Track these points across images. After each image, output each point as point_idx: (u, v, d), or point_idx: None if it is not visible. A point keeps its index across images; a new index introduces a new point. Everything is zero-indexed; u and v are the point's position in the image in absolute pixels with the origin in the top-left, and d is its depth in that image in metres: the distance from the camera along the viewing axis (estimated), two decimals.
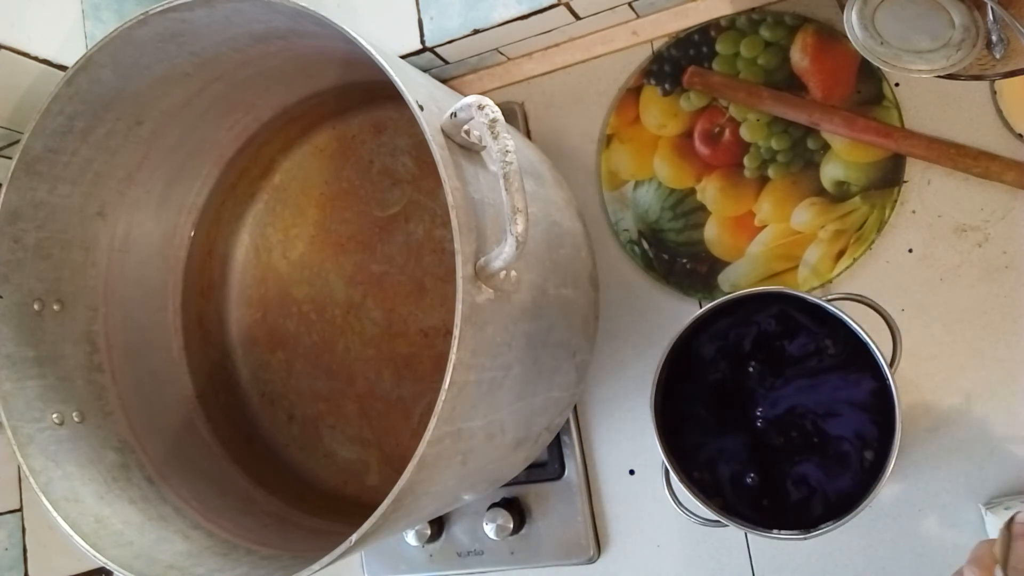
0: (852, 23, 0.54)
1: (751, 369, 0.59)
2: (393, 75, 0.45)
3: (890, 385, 0.53)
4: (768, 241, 0.65)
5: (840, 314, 0.55)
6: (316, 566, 0.46)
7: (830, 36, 0.64)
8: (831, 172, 0.64)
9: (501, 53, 0.72)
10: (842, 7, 0.55)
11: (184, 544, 0.59)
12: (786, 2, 0.66)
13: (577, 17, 0.67)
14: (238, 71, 0.62)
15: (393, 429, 0.71)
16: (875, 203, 0.63)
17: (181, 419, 0.70)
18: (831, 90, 0.64)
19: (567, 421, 0.69)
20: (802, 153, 0.65)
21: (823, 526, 0.54)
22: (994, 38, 0.53)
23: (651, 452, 0.69)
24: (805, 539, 0.54)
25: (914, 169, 0.62)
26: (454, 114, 0.45)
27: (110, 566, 0.53)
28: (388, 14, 0.67)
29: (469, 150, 0.48)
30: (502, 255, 0.43)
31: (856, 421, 0.55)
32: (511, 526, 0.68)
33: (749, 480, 0.58)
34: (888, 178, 0.63)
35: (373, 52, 0.46)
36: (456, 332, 0.42)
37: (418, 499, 0.47)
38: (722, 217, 0.67)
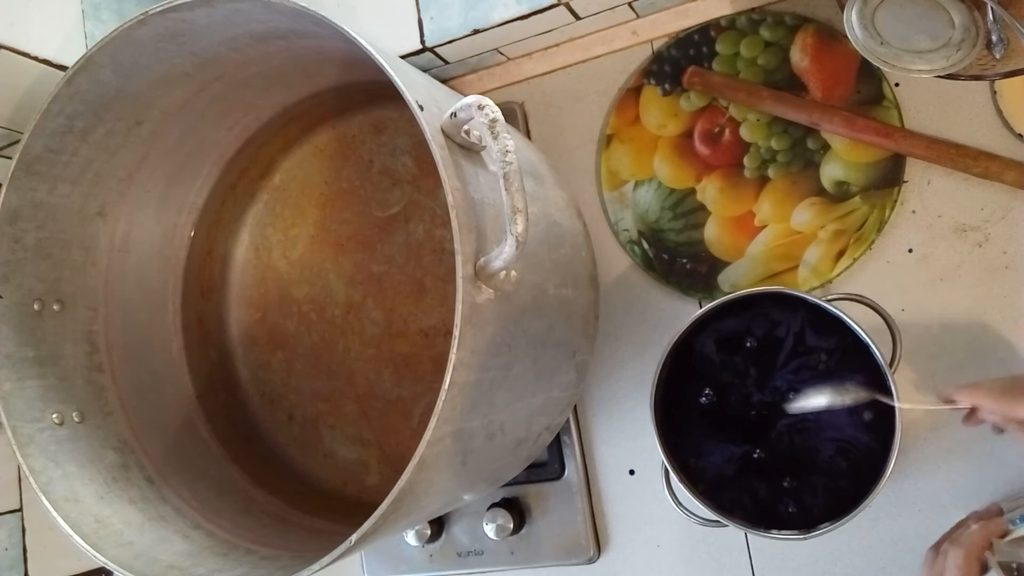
0: (852, 23, 0.54)
1: (750, 369, 0.59)
2: (393, 75, 0.45)
3: (890, 385, 0.53)
4: (768, 241, 0.65)
5: (840, 314, 0.55)
6: (316, 566, 0.46)
7: (830, 36, 0.64)
8: (831, 172, 0.64)
9: (501, 53, 0.72)
10: (842, 7, 0.55)
11: (184, 544, 0.59)
12: (786, 2, 0.66)
13: (577, 17, 0.67)
14: (238, 71, 0.62)
15: (393, 429, 0.71)
16: (875, 203, 0.63)
17: (181, 419, 0.70)
18: (831, 90, 0.64)
19: (567, 421, 0.69)
20: (802, 153, 0.65)
21: (823, 526, 0.54)
22: (994, 38, 0.53)
23: (651, 452, 0.68)
24: (805, 539, 0.54)
25: (914, 169, 0.62)
26: (454, 114, 0.45)
27: (110, 566, 0.53)
28: (388, 14, 0.67)
29: (469, 150, 0.48)
30: (502, 255, 0.43)
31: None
32: (511, 526, 0.68)
33: (750, 477, 0.58)
34: (888, 178, 0.63)
35: (373, 52, 0.46)
36: (456, 332, 0.42)
37: (418, 499, 0.47)
38: (722, 217, 0.67)
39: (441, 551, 0.72)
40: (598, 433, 0.70)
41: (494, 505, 0.69)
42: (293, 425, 0.74)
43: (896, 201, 0.62)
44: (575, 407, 0.71)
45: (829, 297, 0.56)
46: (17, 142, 0.61)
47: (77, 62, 0.55)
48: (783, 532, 0.55)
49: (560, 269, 0.55)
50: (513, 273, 0.46)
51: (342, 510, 0.68)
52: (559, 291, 0.54)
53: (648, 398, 0.59)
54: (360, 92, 0.69)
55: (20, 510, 0.85)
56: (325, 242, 0.74)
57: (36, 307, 0.61)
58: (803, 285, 0.64)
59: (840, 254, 0.63)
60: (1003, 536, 0.50)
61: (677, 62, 0.69)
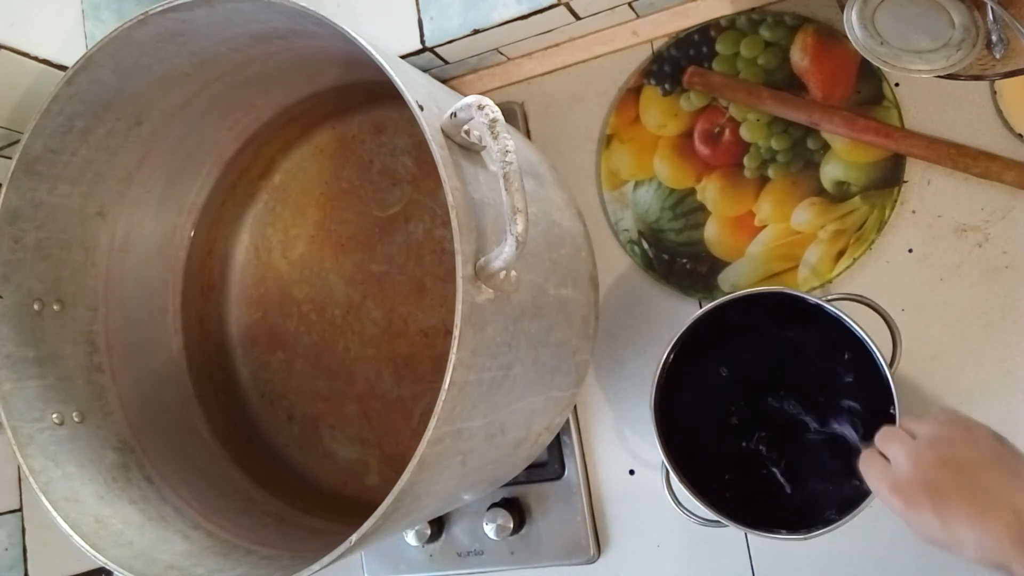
0: (852, 23, 0.54)
1: (750, 369, 0.59)
2: (393, 75, 0.45)
3: (890, 385, 0.53)
4: (768, 241, 0.65)
5: (840, 314, 0.55)
6: (316, 566, 0.46)
7: (830, 36, 0.64)
8: (831, 172, 0.64)
9: (501, 53, 0.72)
10: (842, 7, 0.55)
11: (184, 544, 0.59)
12: (786, 2, 0.66)
13: (577, 17, 0.67)
14: (238, 71, 0.62)
15: (393, 429, 0.71)
16: (875, 203, 0.63)
17: (181, 419, 0.70)
18: (831, 90, 0.64)
19: (567, 421, 0.69)
20: (802, 153, 0.65)
21: (823, 526, 0.54)
22: (994, 38, 0.53)
23: (651, 452, 0.69)
24: (805, 539, 0.54)
25: (914, 169, 0.62)
26: (454, 114, 0.45)
27: (110, 566, 0.53)
28: (388, 14, 0.67)
29: (469, 150, 0.48)
30: (502, 255, 0.43)
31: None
32: (511, 526, 0.68)
33: (749, 478, 0.58)
34: (888, 178, 0.63)
35: (373, 52, 0.46)
36: (456, 332, 0.42)
37: (418, 499, 0.47)
38: (722, 217, 0.67)
39: (441, 551, 0.72)
40: (598, 433, 0.70)
41: (494, 505, 0.69)
42: (293, 425, 0.74)
43: (896, 201, 0.62)
44: (575, 407, 0.71)
45: (829, 297, 0.56)
46: (17, 142, 0.61)
47: (77, 62, 0.55)
48: (783, 532, 0.55)
49: (560, 269, 0.55)
50: (513, 273, 0.46)
51: (342, 510, 0.68)
52: (559, 291, 0.54)
53: (648, 398, 0.59)
54: (360, 92, 0.69)
55: (20, 510, 0.85)
56: (325, 242, 0.74)
57: (36, 307, 0.61)
58: (803, 285, 0.64)
59: (840, 254, 0.63)
60: None
61: (677, 62, 0.69)
